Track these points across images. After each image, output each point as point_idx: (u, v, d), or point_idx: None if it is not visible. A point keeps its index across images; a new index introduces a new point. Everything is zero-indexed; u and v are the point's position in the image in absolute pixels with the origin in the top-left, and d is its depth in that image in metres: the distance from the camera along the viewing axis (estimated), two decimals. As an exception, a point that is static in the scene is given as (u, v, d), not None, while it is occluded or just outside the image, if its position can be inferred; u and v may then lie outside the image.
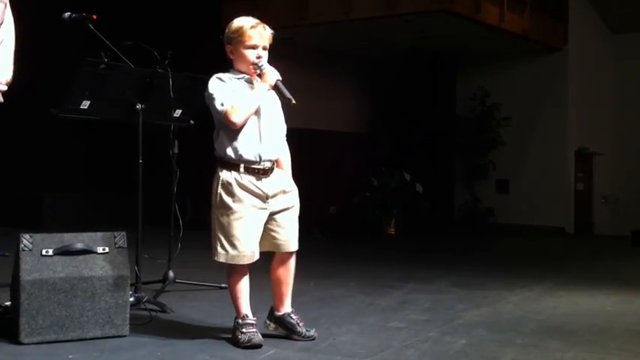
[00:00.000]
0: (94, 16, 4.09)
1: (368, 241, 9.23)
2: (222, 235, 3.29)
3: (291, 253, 3.43)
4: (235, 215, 3.27)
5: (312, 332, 3.43)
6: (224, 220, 3.28)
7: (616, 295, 5.08)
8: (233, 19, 3.43)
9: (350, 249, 8.24)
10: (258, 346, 3.24)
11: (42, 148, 9.04)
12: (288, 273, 3.44)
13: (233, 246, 3.27)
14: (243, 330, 3.28)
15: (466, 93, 11.81)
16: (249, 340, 3.25)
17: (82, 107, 4.05)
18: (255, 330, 3.29)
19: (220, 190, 3.30)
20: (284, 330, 3.43)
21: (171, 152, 4.55)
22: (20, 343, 3.18)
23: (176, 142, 4.59)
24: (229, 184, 3.28)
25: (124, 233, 3.51)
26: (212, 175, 3.39)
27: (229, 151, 3.29)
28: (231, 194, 3.28)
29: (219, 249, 3.29)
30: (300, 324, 3.43)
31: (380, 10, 9.21)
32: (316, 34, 9.97)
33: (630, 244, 9.18)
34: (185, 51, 6.21)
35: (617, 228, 11.48)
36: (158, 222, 4.89)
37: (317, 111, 9.94)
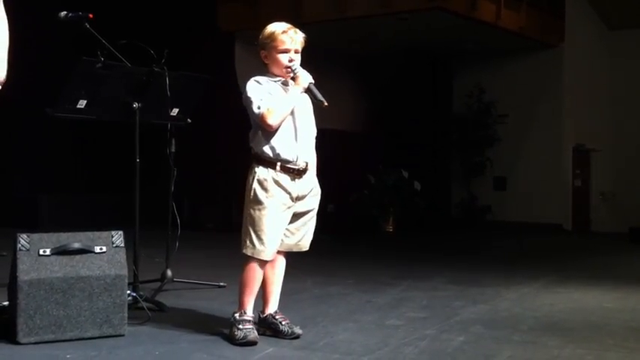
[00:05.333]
0: (91, 15, 4.07)
1: (366, 238, 9.23)
2: (252, 229, 3.31)
3: (285, 254, 3.46)
4: (267, 211, 3.29)
5: (296, 330, 3.43)
6: (255, 214, 3.31)
7: (613, 291, 5.08)
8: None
9: (348, 247, 8.24)
10: (253, 343, 3.25)
11: (38, 149, 9.01)
12: (275, 274, 3.47)
13: (260, 241, 3.29)
14: (240, 326, 3.29)
15: (463, 90, 11.82)
16: (245, 337, 3.26)
17: (78, 107, 4.04)
18: (251, 327, 3.31)
19: (256, 185, 3.32)
20: (270, 331, 3.45)
21: (168, 151, 4.55)
22: (18, 343, 3.17)
23: (173, 141, 4.58)
24: (265, 180, 3.31)
25: (121, 232, 3.51)
26: (247, 173, 3.38)
27: (267, 149, 3.32)
28: (265, 190, 3.30)
29: (248, 242, 3.31)
30: (284, 323, 3.43)
31: (374, 8, 9.21)
32: (311, 33, 9.89)
33: (628, 241, 9.19)
34: (181, 50, 6.22)
35: (614, 225, 11.50)
36: (156, 221, 4.89)
37: (314, 110, 9.93)
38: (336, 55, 11.12)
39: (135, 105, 4.13)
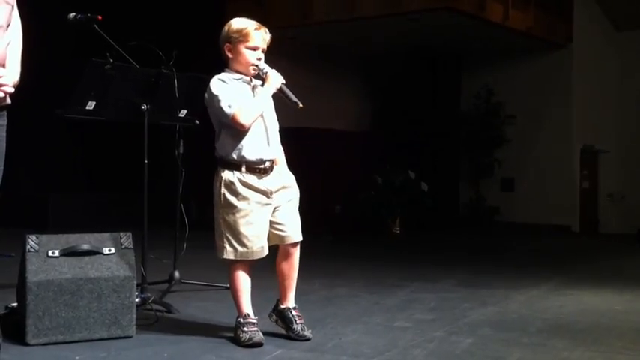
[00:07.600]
0: (100, 17, 4.08)
1: (373, 240, 9.22)
2: (229, 233, 3.31)
3: (295, 245, 3.44)
4: (241, 213, 3.29)
5: (307, 332, 3.41)
6: (230, 219, 3.30)
7: (622, 293, 5.07)
8: (237, 17, 3.45)
9: (355, 248, 8.23)
10: (258, 344, 3.26)
11: (47, 150, 9.03)
12: (291, 267, 3.45)
13: (241, 243, 3.29)
14: (245, 329, 3.30)
15: (471, 91, 11.79)
16: (250, 339, 3.27)
17: (87, 108, 4.05)
18: (256, 329, 3.31)
19: (224, 190, 3.32)
20: (282, 324, 3.45)
21: (176, 153, 4.56)
22: (27, 344, 3.18)
23: (181, 143, 4.59)
24: (232, 183, 3.30)
25: (129, 234, 3.52)
26: (213, 176, 3.39)
27: (232, 153, 3.31)
28: (235, 193, 3.30)
29: (228, 247, 3.31)
30: (298, 321, 3.42)
31: (384, 8, 9.20)
32: (320, 33, 9.96)
33: (636, 242, 9.16)
34: (189, 51, 6.21)
35: (622, 226, 11.45)
36: (164, 222, 4.89)
37: (319, 110, 9.94)
38: (342, 55, 11.12)
39: (144, 106, 4.14)
